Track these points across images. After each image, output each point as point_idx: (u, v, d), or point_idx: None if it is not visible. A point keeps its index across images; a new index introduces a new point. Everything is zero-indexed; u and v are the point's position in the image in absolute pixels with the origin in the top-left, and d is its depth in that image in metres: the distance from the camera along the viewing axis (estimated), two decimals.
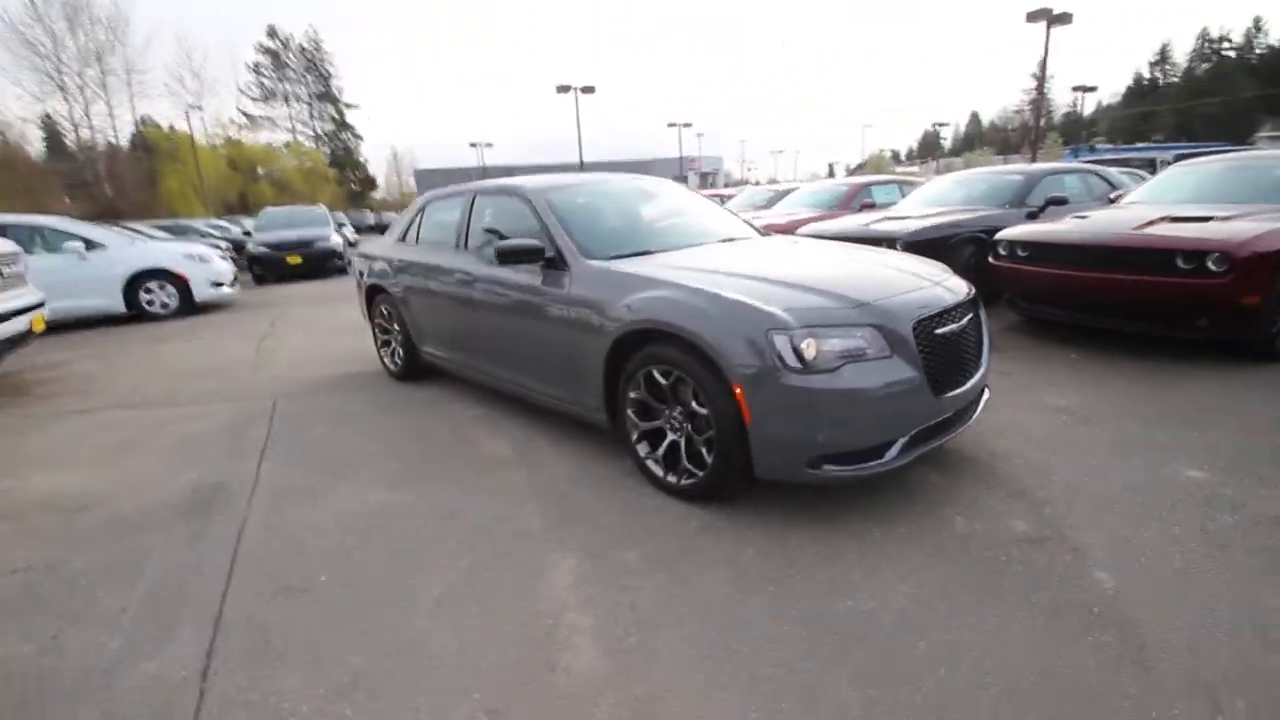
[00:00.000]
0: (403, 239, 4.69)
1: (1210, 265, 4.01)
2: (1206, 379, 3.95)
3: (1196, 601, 1.99)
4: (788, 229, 7.47)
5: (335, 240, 13.62)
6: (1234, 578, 2.09)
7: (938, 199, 7.35)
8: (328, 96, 61.41)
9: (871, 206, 8.71)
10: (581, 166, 26.16)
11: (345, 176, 59.14)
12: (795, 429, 2.35)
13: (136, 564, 2.54)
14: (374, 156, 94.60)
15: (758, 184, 27.83)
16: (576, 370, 3.12)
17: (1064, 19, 18.67)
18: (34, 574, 2.52)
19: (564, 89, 24.90)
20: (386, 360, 5.01)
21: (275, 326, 7.84)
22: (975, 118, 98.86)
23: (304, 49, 60.74)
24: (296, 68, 60.07)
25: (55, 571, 2.52)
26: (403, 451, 3.54)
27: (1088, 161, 11.35)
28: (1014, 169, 7.34)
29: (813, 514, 2.59)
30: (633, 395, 2.86)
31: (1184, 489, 2.66)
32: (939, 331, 2.55)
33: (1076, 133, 70.98)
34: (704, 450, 2.62)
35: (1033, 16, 18.72)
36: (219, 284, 9.28)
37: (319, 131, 60.75)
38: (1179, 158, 10.00)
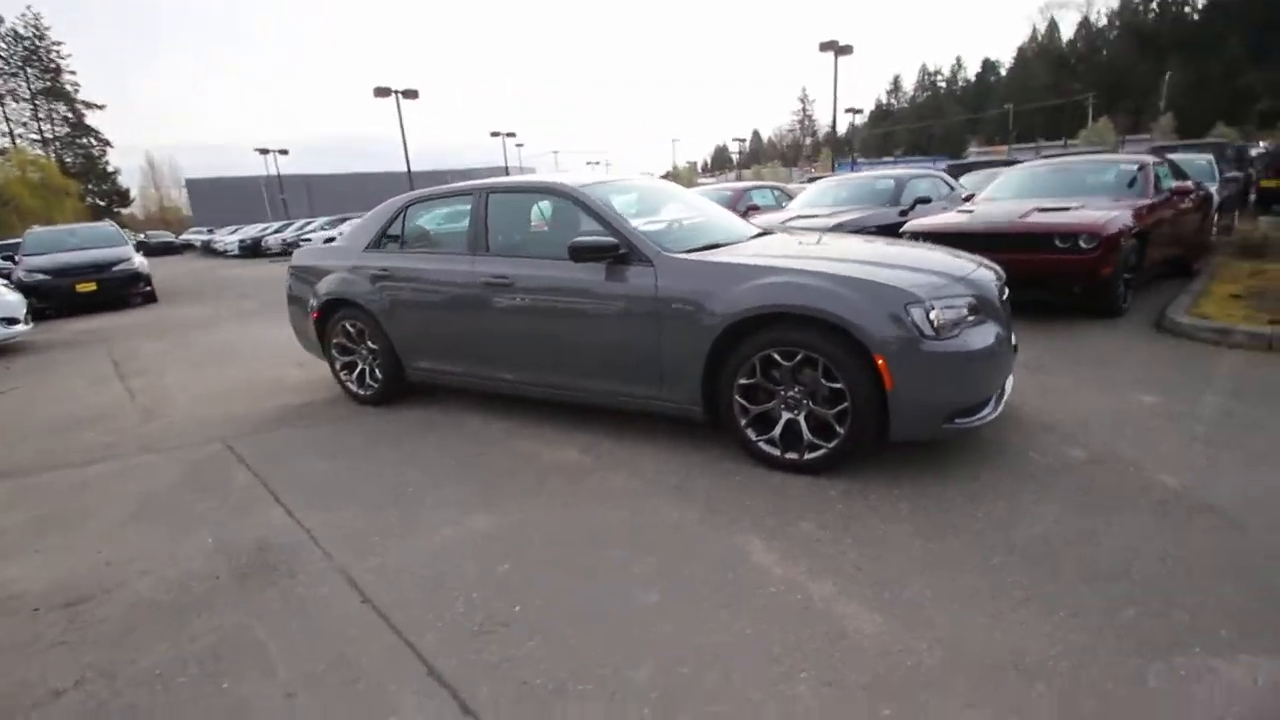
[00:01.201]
0: (377, 246, 4.17)
1: (1081, 244, 5.10)
2: (1095, 332, 5.03)
3: (1238, 480, 2.61)
4: None
5: (139, 262, 11.34)
6: (1246, 460, 2.77)
7: (826, 200, 8.25)
8: (57, 93, 50.31)
9: (756, 209, 9.49)
10: (409, 175, 24.54)
11: (89, 189, 48.88)
12: (934, 391, 2.63)
13: (233, 645, 2.04)
14: (127, 165, 79.43)
15: None
16: (666, 365, 3.10)
17: (847, 50, 21.93)
18: (95, 687, 1.91)
19: (383, 92, 23.16)
20: (351, 385, 4.41)
21: (124, 366, 6.39)
22: (756, 135, 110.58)
23: (19, 35, 49.24)
24: (10, 58, 48.51)
25: (122, 678, 1.94)
26: (454, 475, 3.20)
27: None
28: (885, 174, 8.53)
29: (917, 471, 2.88)
30: (742, 382, 2.93)
31: (1152, 410, 3.42)
32: (1004, 298, 3.00)
33: (842, 148, 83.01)
34: (834, 423, 2.78)
35: (824, 47, 21.76)
36: (11, 320, 7.29)
37: (47, 135, 49.51)
38: (955, 167, 12.30)
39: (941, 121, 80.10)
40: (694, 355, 3.00)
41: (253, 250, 24.87)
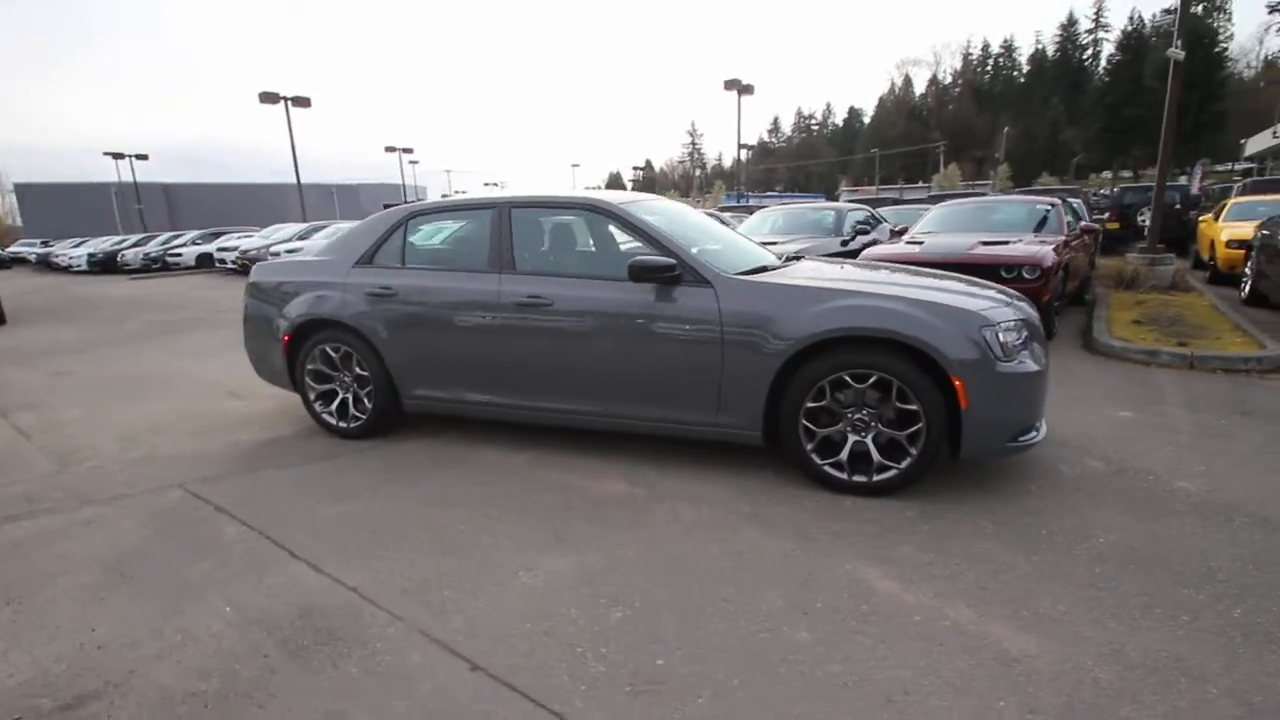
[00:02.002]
0: (369, 262, 3.74)
1: (1025, 274, 5.63)
2: None
3: (1240, 481, 2.93)
4: None
5: None
6: (1236, 464, 3.11)
7: (765, 229, 8.58)
8: None
9: None
10: (299, 189, 22.63)
11: None
12: (1003, 410, 2.74)
13: None
14: None
15: None
16: (726, 389, 3.00)
17: (749, 89, 23.28)
18: None
19: (271, 98, 21.23)
20: (329, 417, 3.90)
21: None
22: (649, 164, 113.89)
23: None
24: None
25: None
26: (499, 513, 2.89)
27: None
28: (826, 206, 9.02)
29: (971, 489, 2.98)
30: (810, 405, 2.90)
31: (1134, 424, 3.79)
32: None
33: (731, 182, 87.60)
34: (905, 444, 2.82)
35: (728, 85, 22.92)
36: None
37: None
38: (849, 200, 13.35)
39: (817, 161, 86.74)
40: (759, 379, 2.94)
41: (105, 265, 21.85)
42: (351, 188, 42.31)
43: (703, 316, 3.00)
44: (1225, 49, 55.23)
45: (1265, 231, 7.52)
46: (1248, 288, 7.70)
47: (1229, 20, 61.31)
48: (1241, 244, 8.81)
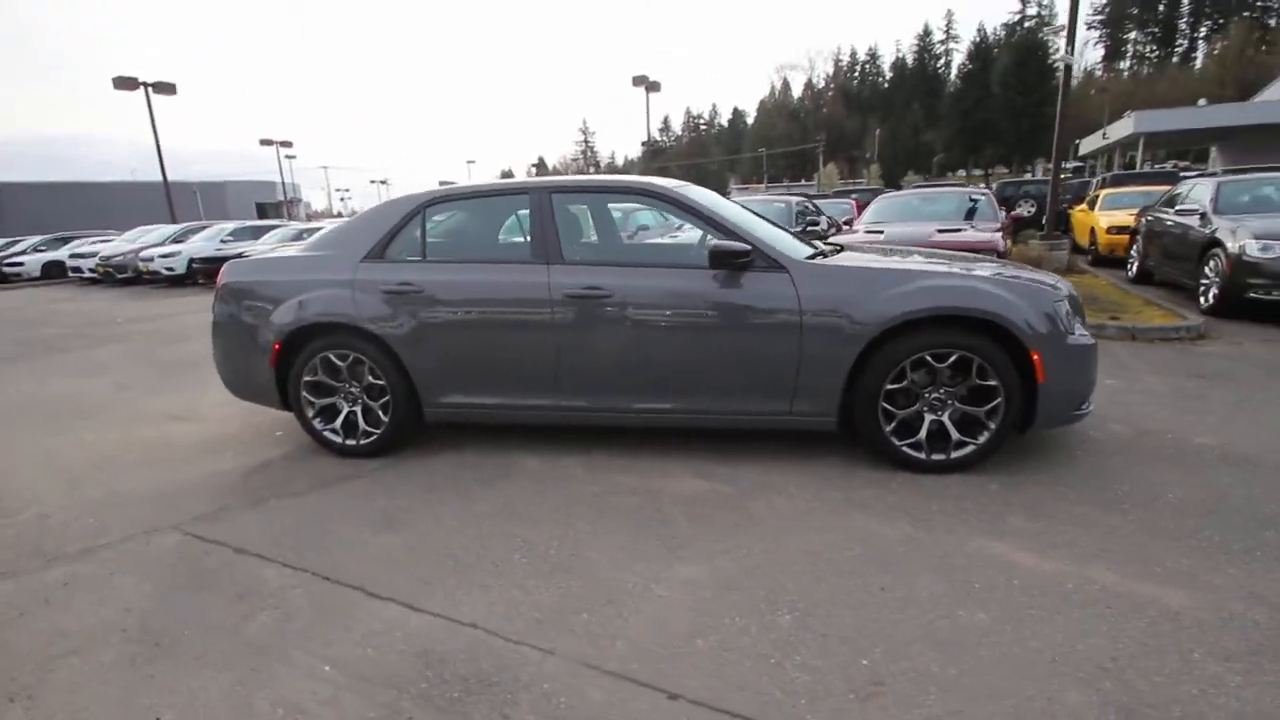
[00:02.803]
0: (380, 256, 3.30)
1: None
2: None
3: (1241, 434, 3.27)
4: None
5: None
6: (1225, 420, 3.47)
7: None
8: None
9: None
10: (165, 184, 19.92)
11: None
12: (1072, 382, 2.88)
13: None
14: None
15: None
16: (803, 376, 2.94)
17: (656, 86, 23.48)
18: None
19: (128, 83, 18.48)
20: (331, 434, 3.42)
21: None
22: (542, 162, 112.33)
23: None
24: None
25: None
26: (588, 524, 2.66)
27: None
28: (776, 199, 9.24)
29: (1026, 459, 3.12)
30: (889, 387, 2.90)
31: (1125, 390, 4.15)
32: None
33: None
34: (984, 419, 2.88)
35: (637, 81, 23.01)
36: None
37: None
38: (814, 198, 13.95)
39: (707, 160, 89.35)
40: (838, 364, 2.90)
41: None
42: (217, 185, 38.07)
43: (780, 303, 2.91)
44: (1055, 61, 62.70)
45: (1146, 219, 8.58)
46: (1135, 268, 8.74)
47: (1056, 34, 69.79)
48: (1123, 229, 10.01)
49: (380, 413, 3.37)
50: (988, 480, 2.89)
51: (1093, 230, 11.26)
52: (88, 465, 3.58)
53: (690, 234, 3.73)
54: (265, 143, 31.86)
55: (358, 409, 3.41)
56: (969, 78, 66.37)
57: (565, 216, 3.20)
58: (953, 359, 2.84)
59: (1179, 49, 73.46)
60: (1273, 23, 59.00)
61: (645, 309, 3.02)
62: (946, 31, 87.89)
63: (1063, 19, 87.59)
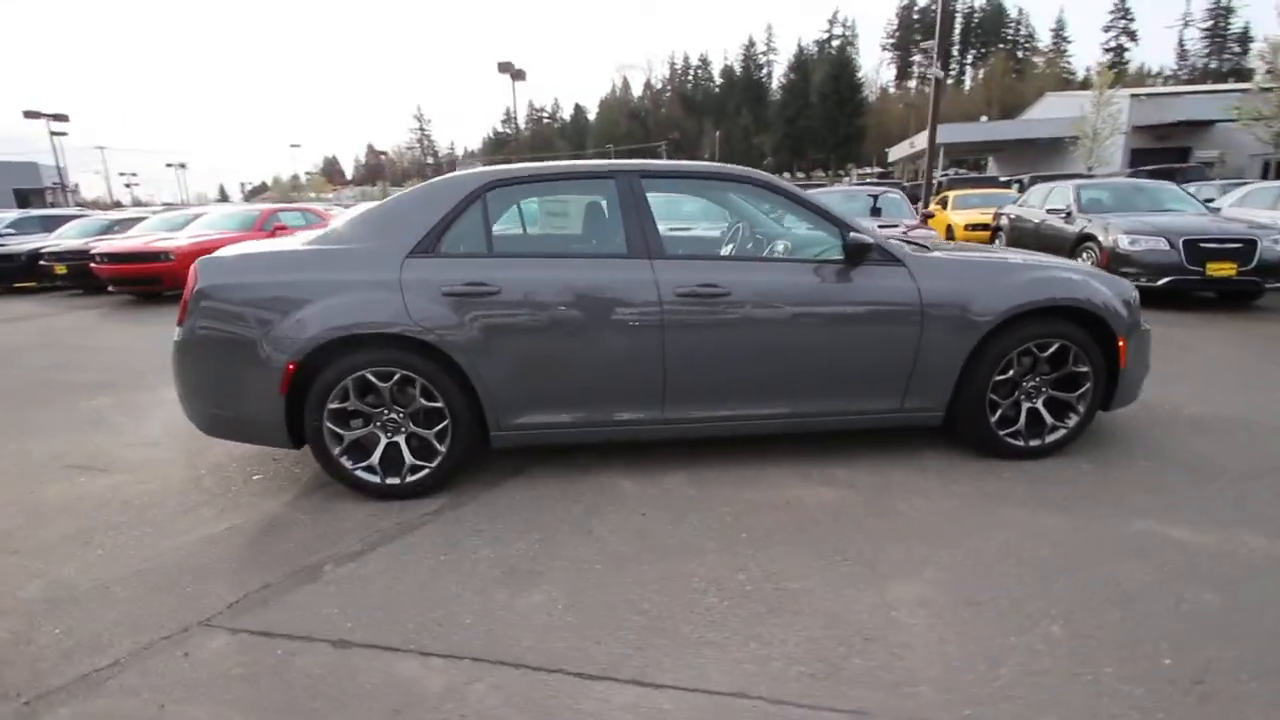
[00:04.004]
0: (431, 250, 2.66)
1: None
2: None
3: (1225, 402, 3.78)
4: (207, 249, 9.17)
5: None
6: (1202, 393, 4.01)
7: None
8: None
9: (284, 229, 9.79)
10: None
11: None
12: (1141, 366, 3.11)
13: None
14: None
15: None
16: (919, 371, 2.87)
17: (521, 75, 22.52)
18: None
19: None
20: (368, 474, 2.73)
21: None
22: (372, 149, 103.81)
23: None
24: None
25: None
26: (752, 551, 2.36)
27: None
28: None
29: (1098, 437, 3.34)
30: (999, 378, 2.93)
31: None
32: None
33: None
34: (1074, 404, 3.02)
35: (502, 68, 21.86)
36: None
37: None
38: None
39: (552, 155, 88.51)
40: (954, 357, 2.88)
41: None
42: None
43: (902, 297, 2.81)
44: (862, 76, 70.73)
45: (1009, 217, 9.86)
46: None
47: (857, 54, 78.66)
48: (981, 227, 11.43)
49: (435, 442, 2.75)
50: (1079, 461, 3.04)
51: (949, 227, 12.74)
52: (11, 544, 2.53)
53: (749, 229, 3.50)
54: (31, 115, 25.31)
55: (401, 439, 2.76)
56: (791, 88, 72.61)
57: (659, 206, 2.83)
58: (1054, 348, 2.94)
59: (954, 73, 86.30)
60: (1020, 55, 71.74)
61: (766, 307, 2.76)
62: (768, 44, 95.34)
63: (864, 40, 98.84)
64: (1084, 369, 2.98)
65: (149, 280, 8.84)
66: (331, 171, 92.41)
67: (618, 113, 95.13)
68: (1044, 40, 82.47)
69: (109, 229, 11.89)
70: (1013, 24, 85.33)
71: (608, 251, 2.79)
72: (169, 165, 52.07)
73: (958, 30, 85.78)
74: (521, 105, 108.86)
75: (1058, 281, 2.92)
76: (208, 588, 2.23)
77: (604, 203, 2.84)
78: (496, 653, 1.86)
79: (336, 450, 2.72)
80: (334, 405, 2.67)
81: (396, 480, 2.76)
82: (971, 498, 2.73)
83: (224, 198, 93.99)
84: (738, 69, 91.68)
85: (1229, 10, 72.88)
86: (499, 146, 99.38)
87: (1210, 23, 74.20)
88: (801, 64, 73.51)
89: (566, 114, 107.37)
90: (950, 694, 1.68)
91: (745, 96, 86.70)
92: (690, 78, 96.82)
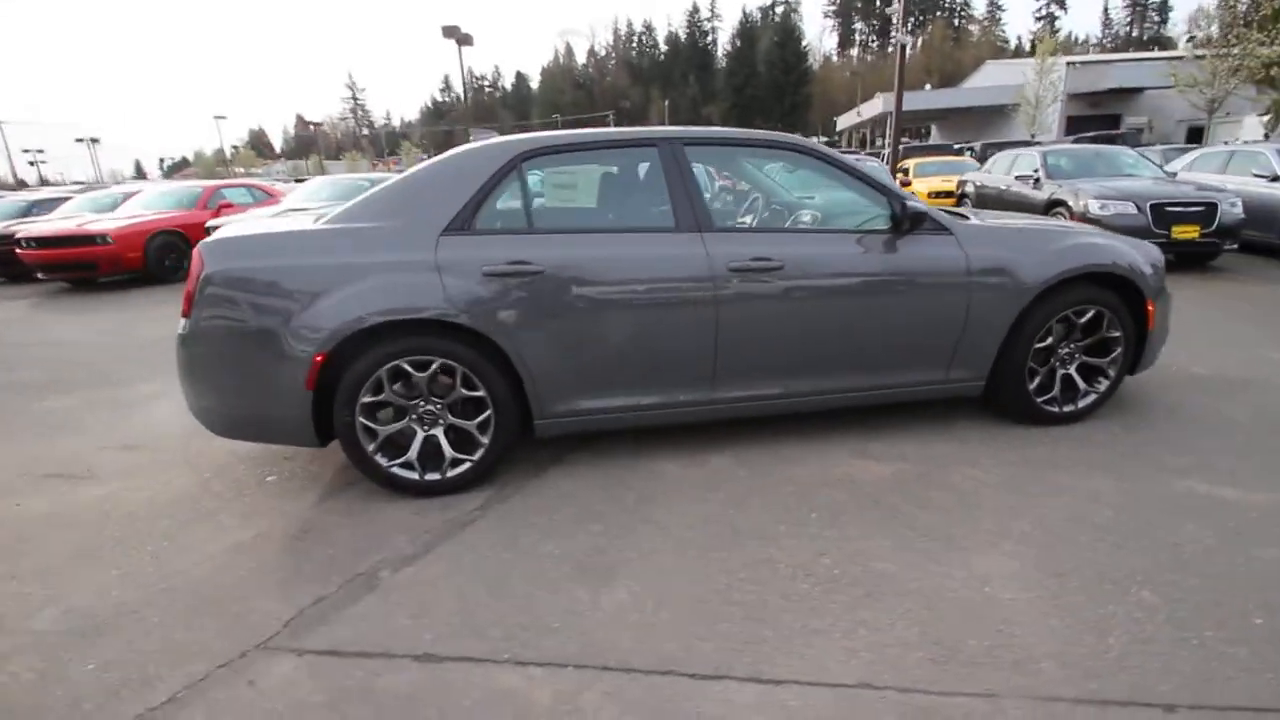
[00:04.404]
0: (466, 227, 2.45)
1: None
2: None
3: (1211, 362, 3.95)
4: (147, 231, 8.51)
5: None
6: (1196, 356, 4.18)
7: (316, 196, 8.77)
8: None
9: (229, 207, 9.44)
10: None
11: None
12: (1164, 328, 3.18)
13: None
14: None
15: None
16: (965, 341, 2.86)
17: (468, 40, 21.46)
18: None
19: None
20: (406, 470, 2.54)
21: None
22: (301, 120, 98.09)
23: None
24: None
25: None
26: (836, 534, 2.31)
27: None
28: (364, 177, 9.65)
29: (1128, 401, 3.44)
30: (1038, 345, 2.95)
31: None
32: None
33: (397, 143, 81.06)
34: (1105, 369, 3.08)
35: (447, 33, 20.74)
36: None
37: None
38: None
39: (496, 124, 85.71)
40: (999, 326, 2.87)
41: None
42: None
43: (950, 266, 2.78)
44: (806, 45, 70.89)
45: (975, 184, 10.06)
46: None
47: (801, 21, 78.63)
48: (945, 194, 11.65)
49: (476, 433, 2.58)
50: (1108, 425, 3.11)
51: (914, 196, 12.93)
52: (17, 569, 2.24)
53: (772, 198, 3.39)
54: None
55: (439, 432, 2.58)
56: (738, 56, 72.18)
57: (705, 176, 2.69)
58: (1090, 314, 2.98)
59: (893, 40, 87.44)
60: (957, 24, 73.18)
61: (818, 279, 2.68)
62: (712, 10, 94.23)
63: (806, 7, 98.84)
64: (1116, 334, 3.03)
65: (85, 266, 8.10)
66: (258, 144, 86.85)
67: (562, 81, 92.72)
68: (979, 9, 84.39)
69: (28, 211, 10.85)
70: None
71: (655, 225, 2.64)
72: (79, 141, 47.65)
73: None
74: (458, 74, 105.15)
75: (1096, 248, 2.93)
76: (253, 604, 2.03)
77: (647, 173, 2.68)
78: (598, 657, 1.76)
79: (370, 447, 2.52)
80: (367, 399, 2.46)
81: (437, 476, 2.59)
82: (1020, 465, 2.75)
83: (140, 175, 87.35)
84: (682, 36, 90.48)
85: None
86: (438, 116, 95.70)
87: None
88: (747, 31, 73.08)
89: (508, 82, 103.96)
90: (1070, 668, 1.68)
91: (691, 64, 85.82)
92: (635, 45, 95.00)
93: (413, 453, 2.57)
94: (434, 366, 2.47)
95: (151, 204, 9.69)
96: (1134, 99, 29.06)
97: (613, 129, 2.74)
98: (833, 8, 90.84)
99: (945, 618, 1.87)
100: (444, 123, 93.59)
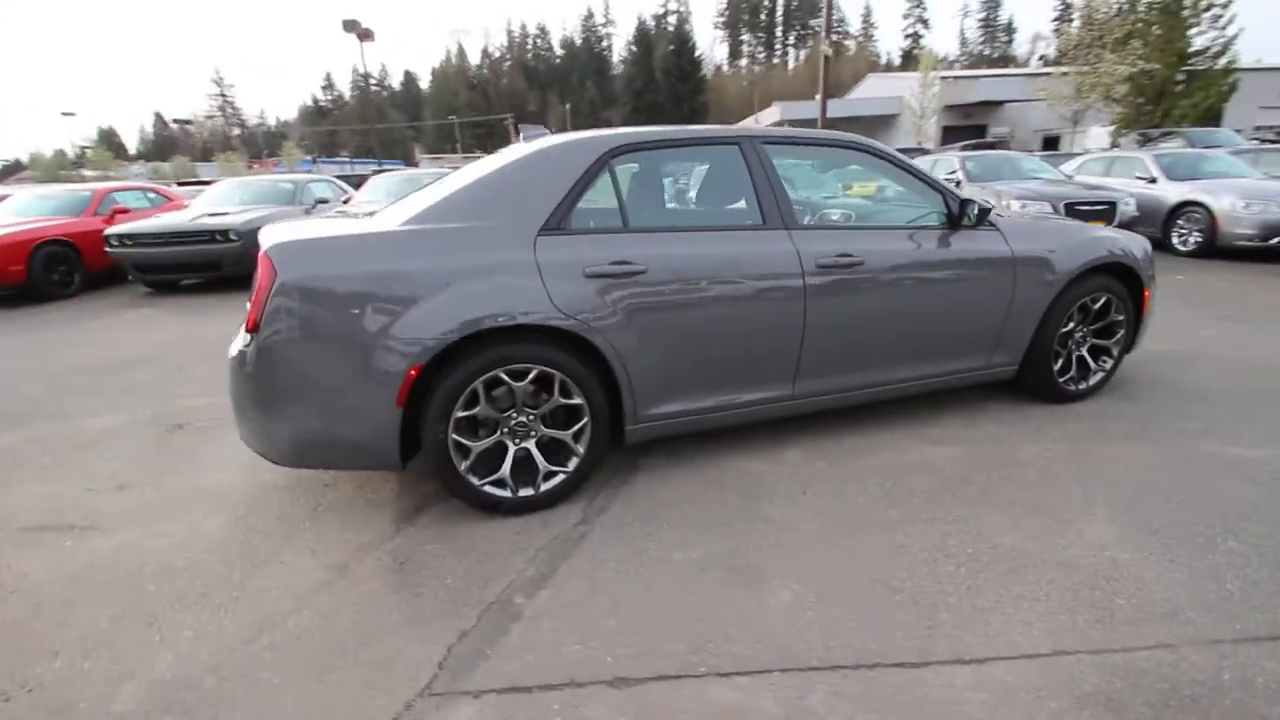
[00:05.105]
0: (561, 226, 2.31)
1: None
2: None
3: (1212, 341, 4.49)
4: (30, 241, 7.46)
5: None
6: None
7: (234, 199, 8.72)
8: None
9: (124, 212, 8.66)
10: None
11: None
12: (1152, 312, 3.57)
13: None
14: None
15: None
16: (1007, 328, 3.07)
17: (369, 35, 20.24)
18: None
19: None
20: (498, 489, 2.37)
21: None
22: (161, 119, 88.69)
23: None
24: None
25: None
26: (951, 516, 2.40)
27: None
28: (285, 178, 9.66)
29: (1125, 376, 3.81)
30: (1062, 330, 3.22)
31: None
32: None
33: (276, 143, 75.30)
34: (1111, 350, 3.41)
35: (348, 27, 19.44)
36: None
37: None
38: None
39: (386, 126, 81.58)
40: (1034, 313, 3.11)
41: None
42: None
43: (999, 258, 2.97)
44: (700, 54, 72.95)
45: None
46: None
47: (693, 32, 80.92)
48: (867, 198, 12.37)
49: (574, 443, 2.45)
50: (1115, 401, 3.44)
51: None
52: (38, 650, 1.85)
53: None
54: None
55: (531, 445, 2.43)
56: (636, 62, 73.10)
57: (784, 174, 2.70)
58: (1103, 300, 3.29)
59: (779, 53, 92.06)
60: (835, 38, 78.42)
61: (892, 274, 2.78)
62: (606, 16, 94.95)
63: (698, 17, 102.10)
64: (1120, 318, 3.37)
65: None
66: (110, 145, 77.37)
67: (455, 82, 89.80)
68: (855, 26, 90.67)
69: None
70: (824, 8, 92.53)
71: (745, 223, 2.63)
72: None
73: (780, 12, 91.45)
74: (345, 71, 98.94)
75: (1113, 240, 3.25)
76: (389, 649, 1.82)
77: (730, 170, 2.66)
78: (797, 659, 1.73)
79: (463, 465, 2.33)
80: (461, 413, 2.27)
81: (531, 491, 2.43)
82: (1069, 440, 2.98)
83: None
84: (578, 41, 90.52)
85: (997, 3, 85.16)
86: (319, 116, 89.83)
87: (984, 14, 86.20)
88: (644, 36, 74.26)
89: (396, 81, 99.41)
90: (1212, 613, 1.85)
91: (589, 69, 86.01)
92: (530, 48, 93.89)
93: (505, 469, 2.40)
94: (532, 375, 2.33)
95: (27, 210, 8.42)
96: (997, 110, 32.31)
97: (695, 127, 2.70)
98: (722, 19, 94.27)
99: (1087, 583, 2.00)
100: (327, 122, 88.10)
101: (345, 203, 8.88)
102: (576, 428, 2.45)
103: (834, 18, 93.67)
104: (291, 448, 2.26)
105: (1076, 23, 16.78)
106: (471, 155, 65.66)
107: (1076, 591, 1.96)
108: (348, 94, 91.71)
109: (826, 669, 1.70)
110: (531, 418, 2.41)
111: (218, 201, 8.70)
